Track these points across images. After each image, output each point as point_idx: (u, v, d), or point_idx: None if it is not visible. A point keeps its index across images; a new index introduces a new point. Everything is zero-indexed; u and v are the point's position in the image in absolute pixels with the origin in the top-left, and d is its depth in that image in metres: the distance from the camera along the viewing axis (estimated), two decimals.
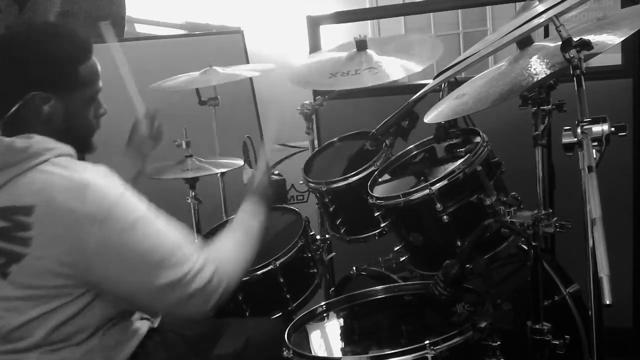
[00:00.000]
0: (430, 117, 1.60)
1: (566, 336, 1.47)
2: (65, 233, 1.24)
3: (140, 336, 1.43)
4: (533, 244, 1.42)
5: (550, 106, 1.48)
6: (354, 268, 2.07)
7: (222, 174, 2.38)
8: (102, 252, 1.25)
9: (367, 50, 2.12)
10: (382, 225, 1.72)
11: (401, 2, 5.03)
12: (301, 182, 2.06)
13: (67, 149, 1.37)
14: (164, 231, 1.34)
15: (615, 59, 2.40)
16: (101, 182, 1.29)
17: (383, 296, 1.72)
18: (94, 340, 1.32)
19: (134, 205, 1.32)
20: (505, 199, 1.53)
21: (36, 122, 1.36)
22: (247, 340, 1.58)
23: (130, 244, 1.27)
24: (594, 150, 1.06)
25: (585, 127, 1.08)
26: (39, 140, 1.32)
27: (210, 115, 2.46)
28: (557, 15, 1.15)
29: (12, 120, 1.35)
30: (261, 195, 1.73)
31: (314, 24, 2.75)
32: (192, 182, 2.29)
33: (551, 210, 1.47)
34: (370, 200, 1.70)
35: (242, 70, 2.41)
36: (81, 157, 1.48)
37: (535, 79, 1.31)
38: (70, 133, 1.41)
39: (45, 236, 1.24)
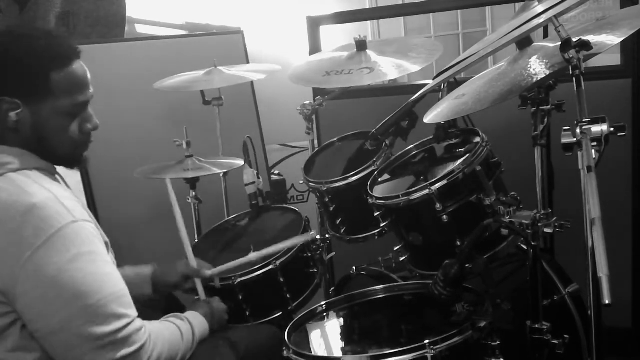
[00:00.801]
0: (430, 117, 1.61)
1: (565, 336, 1.47)
2: (0, 254, 1.17)
3: None
4: (532, 243, 1.42)
5: (549, 106, 1.48)
6: (354, 268, 2.08)
7: (225, 174, 2.38)
8: (31, 280, 1.16)
9: (367, 50, 2.13)
10: (382, 225, 1.72)
11: (401, 2, 5.03)
12: (301, 182, 2.07)
13: (33, 162, 1.29)
14: (107, 277, 1.23)
15: (615, 60, 2.40)
16: (50, 206, 1.20)
17: (383, 296, 1.72)
18: None
19: (83, 239, 1.21)
20: (504, 199, 1.53)
21: (4, 129, 1.28)
22: (244, 350, 1.55)
23: (63, 280, 1.17)
24: (593, 151, 1.06)
25: (584, 127, 1.09)
26: None
27: (213, 115, 2.46)
28: (556, 16, 1.16)
29: None
30: (208, 315, 1.58)
31: (314, 24, 2.75)
32: (192, 182, 2.29)
33: (550, 210, 1.47)
34: (370, 200, 1.71)
35: (247, 72, 2.42)
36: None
37: (534, 80, 1.32)
38: (43, 146, 1.32)
39: None
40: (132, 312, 1.26)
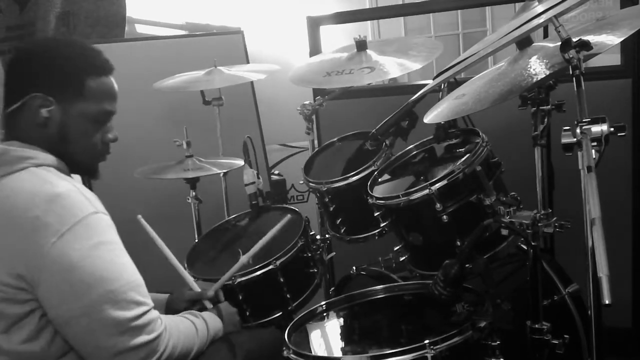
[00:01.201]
0: (430, 117, 1.61)
1: (565, 336, 1.47)
2: (23, 240, 1.20)
3: None
4: (532, 243, 1.42)
5: (549, 106, 1.48)
6: (354, 268, 2.07)
7: (225, 174, 2.38)
8: (55, 265, 1.20)
9: (367, 50, 2.13)
10: (382, 225, 1.72)
11: (401, 2, 5.04)
12: (301, 182, 2.07)
13: (51, 159, 1.33)
14: (126, 266, 1.28)
15: (615, 60, 2.40)
16: (73, 196, 1.25)
17: (383, 296, 1.72)
18: None
19: (103, 229, 1.27)
20: (504, 199, 1.53)
21: (32, 125, 1.33)
22: (245, 353, 1.56)
23: (86, 265, 1.21)
24: (593, 151, 1.06)
25: (584, 127, 1.09)
26: (16, 149, 1.30)
27: (213, 115, 2.46)
28: (556, 16, 1.16)
29: (11, 119, 1.35)
30: (223, 316, 1.65)
31: (314, 24, 2.75)
32: (192, 182, 2.29)
33: (550, 210, 1.47)
34: (370, 200, 1.70)
35: (247, 72, 2.42)
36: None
37: (534, 79, 1.32)
38: (65, 148, 1.37)
39: (1, 243, 1.21)
40: (149, 301, 1.30)
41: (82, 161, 1.42)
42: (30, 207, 1.21)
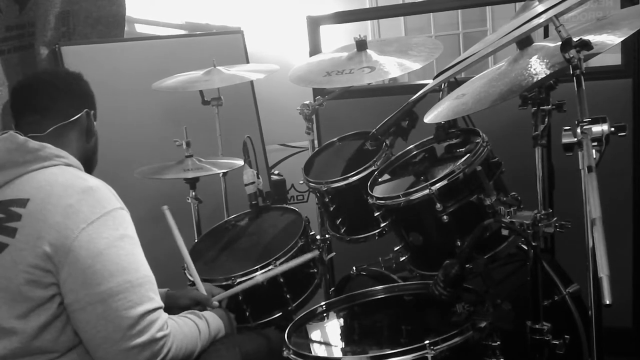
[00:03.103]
0: (430, 117, 1.60)
1: (566, 336, 1.47)
2: (55, 225, 1.26)
3: None
4: (533, 243, 1.42)
5: (550, 106, 1.48)
6: (354, 268, 2.07)
7: (224, 174, 2.38)
8: (82, 250, 1.26)
9: (367, 50, 2.13)
10: (382, 225, 1.72)
11: (401, 2, 5.04)
12: (301, 182, 2.06)
13: (78, 162, 1.45)
14: (143, 262, 1.36)
15: (615, 59, 2.40)
16: (103, 190, 1.36)
17: (383, 296, 1.72)
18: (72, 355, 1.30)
19: (127, 224, 1.36)
20: (505, 199, 1.53)
21: (80, 136, 1.51)
22: (245, 354, 1.57)
23: (111, 254, 1.28)
24: (593, 150, 1.06)
25: (585, 127, 1.09)
26: (51, 147, 1.38)
27: (213, 115, 2.46)
28: (556, 16, 1.15)
29: (57, 131, 1.45)
30: (224, 317, 1.67)
31: (314, 24, 2.75)
32: (192, 182, 2.29)
33: (551, 210, 1.47)
34: (370, 200, 1.70)
35: (246, 72, 2.42)
36: None
37: (535, 79, 1.32)
38: (94, 157, 1.59)
39: (31, 227, 1.27)
40: (160, 300, 1.35)
41: (93, 168, 1.60)
42: (64, 196, 1.30)
